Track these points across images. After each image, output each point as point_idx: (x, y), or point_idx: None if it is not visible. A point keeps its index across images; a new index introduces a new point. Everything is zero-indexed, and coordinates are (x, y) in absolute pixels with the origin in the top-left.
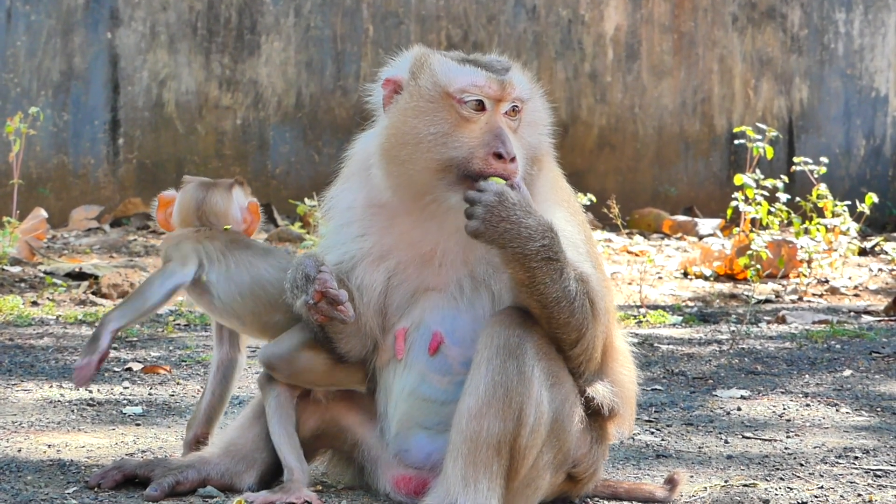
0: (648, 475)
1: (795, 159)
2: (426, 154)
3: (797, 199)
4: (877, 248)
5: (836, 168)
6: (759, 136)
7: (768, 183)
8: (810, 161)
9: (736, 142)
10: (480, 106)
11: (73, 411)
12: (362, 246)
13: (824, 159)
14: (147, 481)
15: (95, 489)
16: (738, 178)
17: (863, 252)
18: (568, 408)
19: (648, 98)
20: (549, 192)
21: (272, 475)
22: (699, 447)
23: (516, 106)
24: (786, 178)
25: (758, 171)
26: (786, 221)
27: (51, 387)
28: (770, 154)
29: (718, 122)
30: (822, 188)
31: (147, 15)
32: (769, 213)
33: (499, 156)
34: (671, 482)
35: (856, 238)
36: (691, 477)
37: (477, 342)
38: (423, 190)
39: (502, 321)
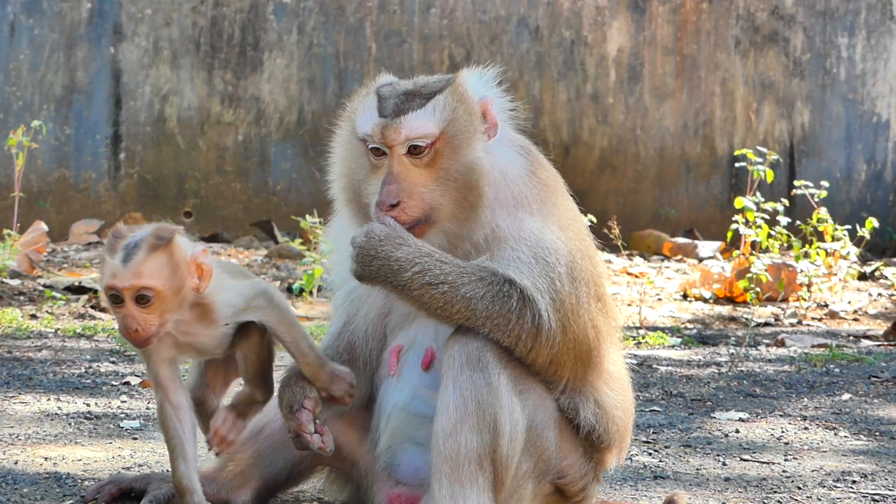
0: (646, 496)
1: (796, 183)
2: (353, 198)
3: (797, 222)
4: (877, 273)
5: (837, 192)
6: (760, 160)
7: (769, 206)
8: (811, 185)
9: (737, 164)
10: (380, 152)
11: (70, 424)
12: None
13: (825, 183)
14: (143, 495)
15: (91, 503)
16: (739, 202)
17: (862, 277)
18: (542, 414)
19: (650, 120)
20: (517, 201)
21: (268, 491)
22: (697, 469)
23: (416, 145)
24: (786, 202)
25: (758, 194)
26: (786, 245)
27: (48, 400)
28: (770, 177)
29: (720, 144)
30: (823, 212)
31: (150, 30)
32: (769, 236)
33: (379, 206)
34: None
35: (856, 262)
36: (689, 499)
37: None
38: None
39: (460, 337)
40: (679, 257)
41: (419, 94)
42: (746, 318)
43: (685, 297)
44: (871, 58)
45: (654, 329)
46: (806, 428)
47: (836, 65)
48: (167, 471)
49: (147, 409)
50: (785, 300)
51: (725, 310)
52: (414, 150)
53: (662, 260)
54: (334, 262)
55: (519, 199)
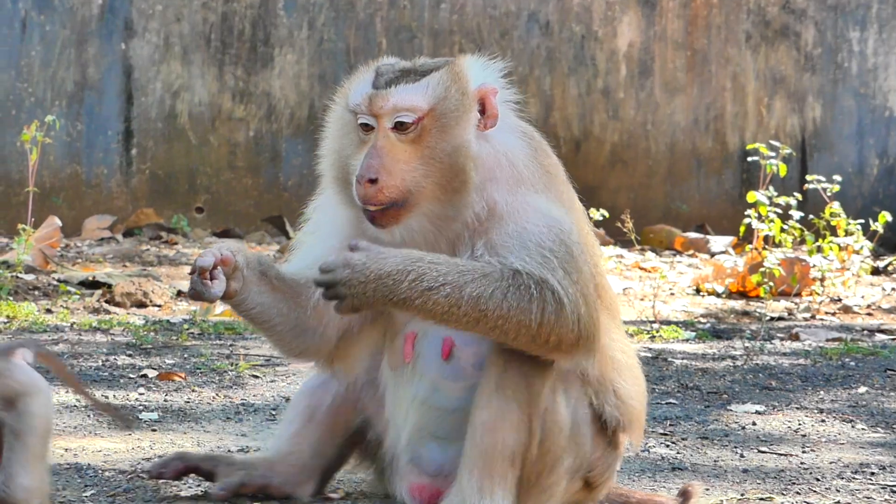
0: (664, 487)
1: (808, 177)
2: (339, 175)
3: (810, 217)
4: (889, 268)
5: (849, 187)
6: (773, 154)
7: (781, 200)
8: (823, 179)
9: (749, 159)
10: (369, 127)
11: (89, 416)
12: None
13: (837, 178)
14: (208, 475)
15: (156, 479)
16: (752, 196)
17: (875, 271)
18: (581, 410)
19: (661, 115)
20: (519, 180)
21: (325, 481)
22: (714, 460)
23: (403, 118)
24: (799, 196)
25: (771, 188)
26: (799, 239)
27: (67, 392)
28: (783, 172)
29: (731, 139)
30: (836, 206)
31: (161, 26)
32: (782, 230)
33: (360, 179)
34: (685, 495)
35: (869, 257)
36: (707, 490)
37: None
38: (354, 216)
39: None
40: (691, 252)
41: (415, 71)
42: (760, 313)
43: (698, 291)
44: (882, 52)
45: (668, 323)
46: (823, 420)
47: (848, 59)
48: (231, 451)
49: (165, 401)
50: (798, 295)
51: (738, 304)
52: (400, 126)
53: (674, 255)
54: (309, 240)
55: (521, 179)
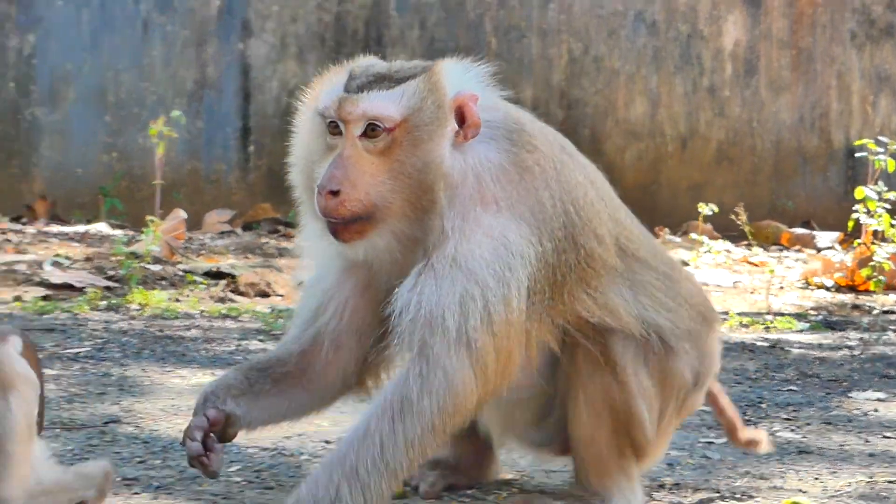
0: (793, 470)
1: None
2: (307, 184)
3: None
4: None
5: None
6: (881, 150)
7: (891, 195)
8: None
9: (857, 155)
10: (337, 129)
11: None
12: None
13: None
14: None
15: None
16: (860, 191)
17: None
18: (661, 366)
19: (766, 113)
20: (481, 199)
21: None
22: (840, 445)
23: (373, 126)
24: None
25: (880, 183)
26: None
27: (203, 374)
28: (892, 167)
29: (836, 137)
30: None
31: (277, 27)
32: (891, 225)
33: (321, 190)
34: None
35: None
36: (834, 473)
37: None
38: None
39: (580, 340)
40: (798, 247)
41: (390, 77)
42: (870, 306)
43: (807, 285)
44: None
45: (781, 315)
46: None
47: None
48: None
49: None
50: None
51: (848, 298)
52: (370, 133)
53: (781, 250)
54: (304, 290)
55: (483, 197)
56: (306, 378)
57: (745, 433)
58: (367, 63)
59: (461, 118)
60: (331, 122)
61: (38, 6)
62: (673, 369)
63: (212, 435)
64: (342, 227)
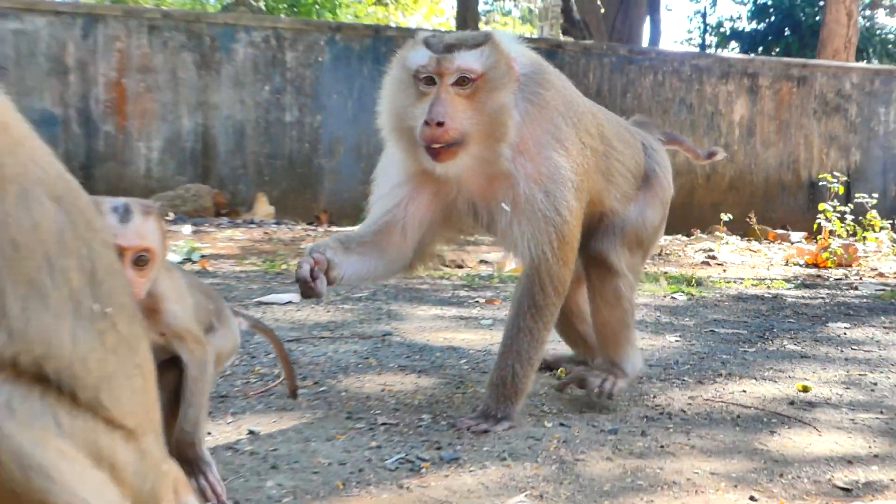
0: (798, 367)
1: (856, 195)
2: (398, 124)
3: (859, 218)
4: None
5: (880, 202)
6: (834, 181)
7: (840, 209)
8: (867, 196)
9: (818, 185)
10: (431, 81)
11: (451, 322)
12: None
13: (874, 196)
14: (552, 366)
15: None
16: (822, 206)
17: None
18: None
19: (759, 160)
20: (523, 143)
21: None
22: (825, 353)
23: (464, 77)
24: (850, 207)
25: (834, 202)
26: (850, 232)
27: (435, 309)
28: (842, 191)
29: (803, 174)
30: (873, 213)
31: None
32: (840, 226)
33: (427, 122)
34: (711, 155)
35: (893, 243)
36: (824, 369)
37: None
38: (411, 156)
39: (593, 261)
40: (779, 242)
41: (466, 41)
42: (828, 276)
43: (787, 263)
44: None
45: (774, 279)
46: (886, 332)
47: (877, 125)
48: (560, 354)
49: (493, 314)
50: (849, 265)
51: (813, 271)
52: (461, 82)
53: (769, 244)
54: (379, 174)
55: (523, 141)
56: (379, 250)
57: (704, 154)
58: (435, 31)
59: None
60: (425, 77)
61: (322, 98)
62: (639, 240)
63: (316, 269)
64: (444, 150)
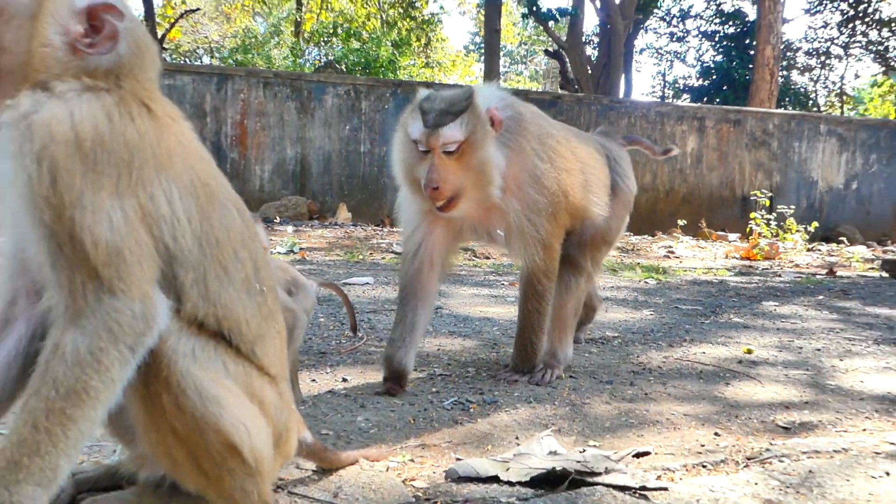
0: (742, 335)
1: (778, 207)
2: (408, 176)
3: (781, 223)
4: (815, 248)
5: (795, 212)
6: (762, 196)
7: (767, 217)
8: (785, 207)
9: (751, 197)
10: (427, 149)
11: (505, 299)
12: None
13: (791, 208)
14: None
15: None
16: (753, 214)
17: (809, 249)
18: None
19: (705, 180)
20: (508, 181)
21: None
22: (762, 324)
23: (448, 150)
24: (774, 215)
25: (762, 212)
26: (774, 234)
27: (475, 289)
28: (767, 203)
29: (737, 192)
30: (791, 219)
31: None
32: (766, 229)
33: (426, 188)
34: (667, 151)
35: (806, 243)
36: (762, 336)
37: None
38: (421, 198)
39: (564, 267)
40: (720, 241)
41: (449, 112)
42: (758, 266)
43: (726, 257)
44: (810, 153)
45: (718, 268)
46: (806, 309)
47: (794, 155)
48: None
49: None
50: (774, 259)
51: (747, 263)
52: (448, 152)
53: (713, 243)
54: (402, 218)
55: (514, 173)
56: (418, 299)
57: (660, 150)
58: (429, 97)
59: (492, 121)
60: (421, 147)
61: (387, 134)
62: (606, 241)
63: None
64: (444, 206)
